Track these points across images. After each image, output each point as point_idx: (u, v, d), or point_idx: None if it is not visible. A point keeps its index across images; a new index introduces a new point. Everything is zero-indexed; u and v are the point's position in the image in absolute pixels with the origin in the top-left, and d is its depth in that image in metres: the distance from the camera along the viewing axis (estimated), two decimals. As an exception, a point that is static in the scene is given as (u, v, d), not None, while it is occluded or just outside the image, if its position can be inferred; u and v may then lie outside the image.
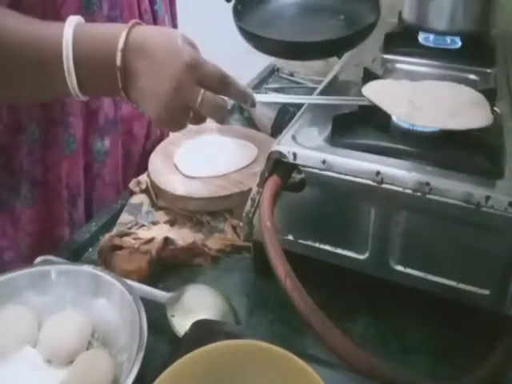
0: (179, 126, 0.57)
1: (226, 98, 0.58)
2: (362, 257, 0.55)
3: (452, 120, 0.55)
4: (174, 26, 0.91)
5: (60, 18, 0.65)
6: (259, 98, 0.63)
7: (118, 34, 0.53)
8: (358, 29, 0.71)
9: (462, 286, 0.51)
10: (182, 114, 0.55)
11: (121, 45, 0.53)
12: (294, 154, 0.54)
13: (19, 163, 0.73)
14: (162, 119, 0.55)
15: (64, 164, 0.74)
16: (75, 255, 0.66)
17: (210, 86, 0.54)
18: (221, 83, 0.55)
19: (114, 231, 0.68)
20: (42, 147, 0.73)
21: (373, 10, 0.74)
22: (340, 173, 0.53)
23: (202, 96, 0.53)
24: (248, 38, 0.70)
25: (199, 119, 0.57)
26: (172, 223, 0.70)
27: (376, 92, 0.60)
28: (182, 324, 0.52)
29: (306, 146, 0.55)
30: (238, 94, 0.59)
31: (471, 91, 0.62)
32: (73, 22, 0.54)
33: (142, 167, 0.81)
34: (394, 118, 0.58)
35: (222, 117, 0.57)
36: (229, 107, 1.00)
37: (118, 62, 0.53)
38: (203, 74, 0.54)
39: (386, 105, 0.57)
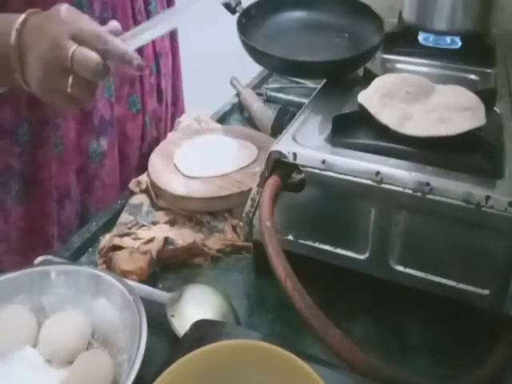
0: (61, 94, 0.53)
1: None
2: (362, 257, 0.55)
3: (442, 126, 0.55)
4: None
5: None
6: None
7: (15, 17, 0.53)
8: (362, 50, 0.71)
9: (462, 285, 0.51)
10: (59, 75, 0.52)
11: (17, 25, 0.52)
12: (294, 154, 0.54)
13: (9, 163, 0.73)
14: (42, 83, 0.52)
15: (53, 164, 0.74)
16: (75, 255, 0.66)
17: (86, 42, 0.52)
18: (96, 39, 0.52)
19: (114, 231, 0.68)
20: (34, 147, 0.73)
21: (377, 30, 0.74)
22: (340, 173, 0.53)
23: (73, 50, 0.51)
24: (251, 52, 0.71)
25: (81, 82, 0.52)
26: (172, 223, 0.71)
27: (371, 97, 0.60)
28: (181, 324, 0.52)
29: (306, 146, 0.55)
30: (117, 53, 0.53)
31: (466, 93, 0.61)
32: None
33: (140, 169, 0.81)
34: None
35: (96, 74, 0.52)
36: (229, 107, 1.02)
37: (13, 40, 0.52)
38: (79, 29, 0.52)
39: (378, 112, 0.57)
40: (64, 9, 0.53)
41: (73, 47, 0.50)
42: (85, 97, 0.54)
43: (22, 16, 0.52)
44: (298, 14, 0.82)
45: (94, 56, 0.51)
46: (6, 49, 0.52)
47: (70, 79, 0.51)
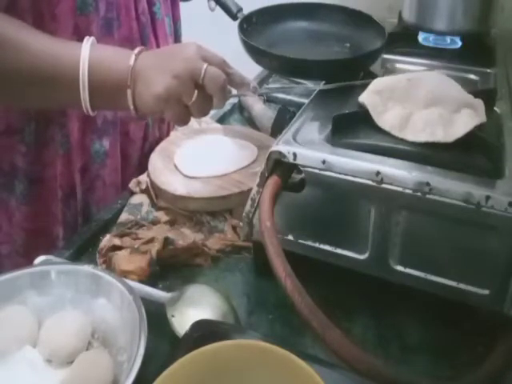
0: (179, 106, 0.59)
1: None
2: (361, 257, 0.55)
3: (441, 128, 0.55)
4: (176, 27, 0.90)
5: (54, 18, 0.66)
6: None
7: (131, 50, 0.60)
8: (363, 52, 0.72)
9: (462, 285, 0.51)
10: (188, 86, 0.57)
11: (136, 51, 0.60)
12: (294, 154, 0.54)
13: (15, 162, 0.73)
14: (171, 90, 0.57)
15: (58, 163, 0.75)
16: (75, 255, 0.66)
17: (214, 65, 0.59)
18: (223, 63, 0.61)
19: (114, 231, 0.68)
20: (39, 146, 0.73)
21: (379, 38, 0.74)
22: (340, 173, 0.53)
23: (206, 67, 0.58)
24: (251, 52, 0.71)
25: (203, 99, 0.59)
26: (172, 223, 0.70)
27: (371, 95, 0.60)
28: (182, 324, 0.53)
29: (306, 146, 0.55)
30: (238, 77, 0.63)
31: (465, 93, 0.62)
32: (89, 41, 0.60)
33: (141, 169, 0.81)
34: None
35: (223, 92, 0.59)
36: (229, 107, 1.02)
37: (132, 61, 0.58)
38: (208, 54, 0.60)
39: (379, 115, 0.58)
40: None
41: (205, 65, 0.58)
42: (200, 114, 0.61)
43: (139, 48, 0.61)
44: (298, 24, 0.83)
45: (223, 75, 0.59)
46: (121, 72, 0.58)
47: (196, 93, 0.58)
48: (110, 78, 0.59)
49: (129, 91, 0.58)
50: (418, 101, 0.58)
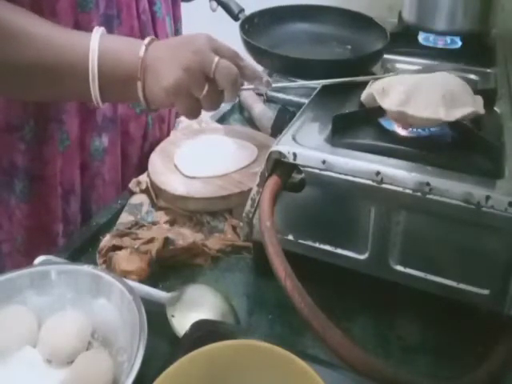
0: (190, 99, 0.58)
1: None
2: (362, 257, 0.55)
3: (443, 108, 0.55)
4: (177, 27, 0.90)
5: (54, 15, 0.66)
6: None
7: (142, 41, 0.59)
8: (366, 53, 0.72)
9: (462, 285, 0.51)
10: (199, 79, 0.57)
11: (146, 41, 0.58)
12: (294, 154, 0.54)
13: (14, 160, 0.73)
14: (181, 83, 0.56)
15: (58, 160, 0.75)
16: (75, 255, 0.66)
17: (226, 57, 0.58)
18: (235, 56, 0.59)
19: (114, 231, 0.68)
20: (39, 143, 0.73)
21: (380, 40, 0.74)
22: (340, 173, 0.53)
23: (217, 61, 0.56)
24: (252, 51, 0.71)
25: (214, 93, 0.58)
26: (172, 223, 0.70)
27: (376, 86, 0.60)
28: (181, 324, 0.52)
29: (306, 146, 0.55)
30: (251, 70, 0.61)
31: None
32: (98, 31, 0.59)
33: (141, 168, 0.81)
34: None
35: (234, 86, 0.58)
36: (229, 107, 1.02)
37: (142, 52, 0.57)
38: (220, 46, 0.58)
39: (382, 97, 0.58)
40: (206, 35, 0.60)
41: (216, 58, 0.57)
42: (211, 107, 0.60)
43: (149, 38, 0.59)
44: (300, 26, 0.83)
45: (235, 68, 0.58)
46: (131, 63, 0.58)
47: (207, 87, 0.57)
48: (120, 70, 0.58)
49: (139, 83, 0.57)
50: (417, 81, 0.58)
